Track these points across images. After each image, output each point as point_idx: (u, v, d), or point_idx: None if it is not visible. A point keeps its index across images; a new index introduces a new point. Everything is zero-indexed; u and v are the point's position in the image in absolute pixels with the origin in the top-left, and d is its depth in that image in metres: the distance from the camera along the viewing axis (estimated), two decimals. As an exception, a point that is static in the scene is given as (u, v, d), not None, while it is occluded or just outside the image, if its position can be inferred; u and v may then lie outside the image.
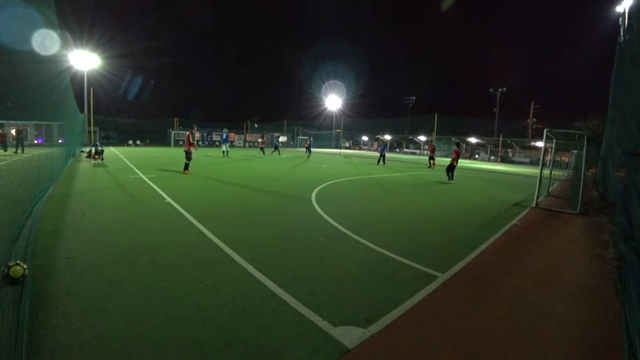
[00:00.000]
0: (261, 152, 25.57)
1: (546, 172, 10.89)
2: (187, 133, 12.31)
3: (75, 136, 18.18)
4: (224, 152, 21.93)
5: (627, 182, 5.05)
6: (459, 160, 13.06)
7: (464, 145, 43.47)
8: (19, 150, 15.88)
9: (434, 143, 34.05)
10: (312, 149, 29.36)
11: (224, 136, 22.95)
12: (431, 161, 20.56)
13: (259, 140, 27.03)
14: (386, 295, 3.25)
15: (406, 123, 55.36)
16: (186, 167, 11.92)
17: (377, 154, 23.80)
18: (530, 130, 46.93)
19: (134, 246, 4.26)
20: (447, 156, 41.37)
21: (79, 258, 3.78)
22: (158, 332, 2.46)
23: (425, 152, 45.62)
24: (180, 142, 37.40)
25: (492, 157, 39.54)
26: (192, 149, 11.94)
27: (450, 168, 12.74)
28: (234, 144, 42.45)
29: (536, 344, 2.62)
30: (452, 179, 12.82)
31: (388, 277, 3.70)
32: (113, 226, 5.10)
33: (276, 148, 28.26)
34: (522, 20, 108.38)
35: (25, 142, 20.93)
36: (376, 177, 13.99)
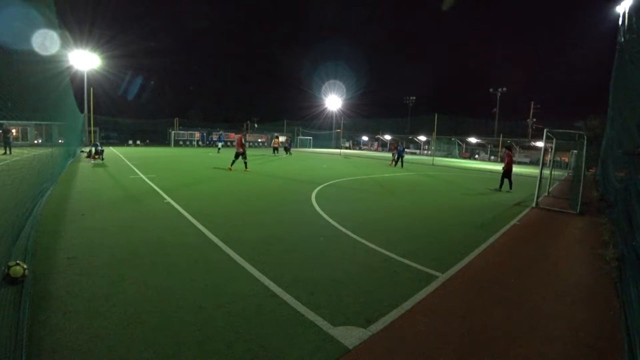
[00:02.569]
0: (276, 152, 26.54)
1: (546, 172, 10.88)
2: (239, 135, 14.00)
3: (75, 136, 18.17)
4: (218, 149, 28.31)
5: (627, 182, 5.06)
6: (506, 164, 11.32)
7: (463, 146, 43.49)
8: (6, 151, 15.70)
9: (433, 143, 33.44)
10: (312, 149, 29.20)
11: (220, 137, 31.57)
12: (394, 158, 20.87)
13: (275, 140, 28.28)
14: (386, 295, 3.25)
15: (406, 123, 55.39)
16: (246, 165, 13.69)
17: (378, 154, 22.99)
18: (530, 130, 46.90)
19: (134, 246, 4.26)
20: (446, 156, 41.42)
21: (79, 258, 3.78)
22: (158, 332, 2.47)
23: (426, 151, 45.62)
24: (180, 143, 37.52)
25: (492, 157, 39.50)
26: (242, 149, 13.65)
27: (507, 174, 11.25)
28: (233, 144, 42.64)
29: (536, 344, 2.62)
30: (511, 187, 11.33)
31: (388, 277, 3.70)
32: (113, 226, 5.10)
33: (287, 149, 28.51)
34: (522, 20, 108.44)
35: (26, 143, 20.88)
36: (376, 177, 13.99)
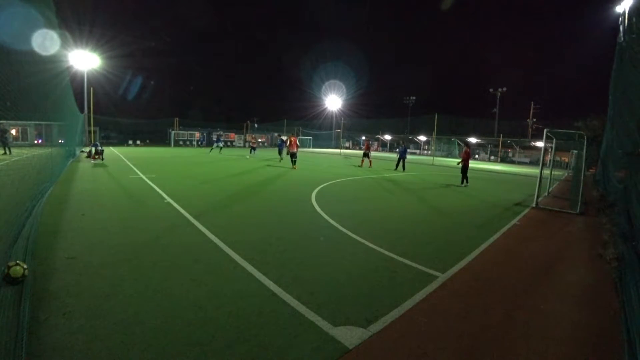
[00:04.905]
0: (253, 151, 23.93)
1: (546, 172, 10.89)
2: (294, 137, 15.69)
3: (75, 136, 18.16)
4: (220, 148, 26.68)
5: (627, 182, 5.06)
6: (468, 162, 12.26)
7: (463, 145, 43.47)
8: (6, 151, 15.62)
9: (432, 143, 32.74)
10: (312, 149, 28.15)
11: (218, 138, 30.01)
12: (364, 158, 18.44)
13: (251, 138, 26.66)
14: (386, 295, 3.25)
15: (406, 123, 55.42)
16: (294, 163, 15.47)
17: (379, 154, 21.75)
18: (530, 130, 46.92)
19: (134, 246, 4.26)
20: (446, 156, 41.45)
21: (79, 258, 3.78)
22: (158, 332, 2.46)
23: (426, 151, 45.60)
24: (180, 142, 37.58)
25: (492, 157, 39.51)
26: (296, 149, 15.48)
27: (464, 170, 12.18)
28: (233, 143, 42.87)
29: (536, 344, 2.62)
30: (466, 182, 12.15)
31: (388, 277, 3.70)
32: (113, 226, 5.10)
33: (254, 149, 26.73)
34: (522, 20, 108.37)
35: (26, 142, 20.86)
36: (376, 177, 13.99)
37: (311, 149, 43.97)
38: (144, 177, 10.56)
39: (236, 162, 18.61)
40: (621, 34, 10.02)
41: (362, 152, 21.96)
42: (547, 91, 76.77)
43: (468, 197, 10.02)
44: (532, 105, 47.74)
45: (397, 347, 2.47)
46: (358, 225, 5.80)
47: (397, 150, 18.46)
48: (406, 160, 18.02)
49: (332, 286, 3.40)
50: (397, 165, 17.41)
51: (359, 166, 18.29)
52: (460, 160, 12.49)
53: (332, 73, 69.85)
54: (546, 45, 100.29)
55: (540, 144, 25.75)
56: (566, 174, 21.18)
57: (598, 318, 3.10)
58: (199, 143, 37.86)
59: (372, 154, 20.49)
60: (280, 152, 21.10)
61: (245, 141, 43.91)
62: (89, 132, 28.56)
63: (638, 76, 5.53)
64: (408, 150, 21.18)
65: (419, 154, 44.86)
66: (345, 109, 58.16)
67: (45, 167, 6.69)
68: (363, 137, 55.99)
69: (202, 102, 69.74)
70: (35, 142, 21.68)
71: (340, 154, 33.46)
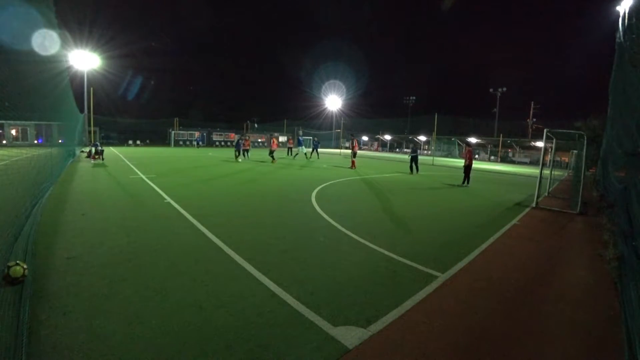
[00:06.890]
0: (245, 154, 20.51)
1: (546, 172, 10.89)
2: (274, 138, 19.39)
3: (75, 136, 18.18)
4: (305, 154, 24.35)
5: (627, 182, 5.06)
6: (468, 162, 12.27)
7: (464, 145, 43.50)
8: None
9: (432, 143, 32.38)
10: (310, 149, 25.69)
11: (300, 140, 25.65)
12: (353, 159, 16.57)
13: (245, 140, 21.06)
14: (386, 295, 3.25)
15: (406, 123, 55.42)
16: (272, 158, 18.43)
17: (379, 154, 21.13)
18: (530, 130, 46.91)
19: (134, 246, 4.26)
20: (446, 156, 41.47)
21: (79, 258, 3.78)
22: (158, 332, 2.47)
23: (426, 151, 45.58)
24: (180, 142, 37.61)
25: (492, 157, 39.52)
26: (274, 148, 18.77)
27: (467, 169, 12.18)
28: (233, 143, 42.59)
29: (536, 344, 2.62)
30: (468, 182, 12.22)
31: (388, 277, 3.70)
32: (113, 226, 5.10)
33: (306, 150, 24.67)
34: (522, 20, 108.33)
35: (26, 142, 20.89)
36: (376, 177, 13.99)
37: (311, 149, 43.91)
38: (143, 177, 10.56)
39: (235, 162, 18.61)
40: (620, 34, 10.01)
41: (362, 152, 21.29)
42: (547, 91, 76.72)
43: (468, 197, 10.02)
44: (532, 105, 47.74)
45: (397, 347, 2.47)
46: (358, 225, 5.80)
47: (411, 149, 16.72)
48: (403, 160, 17.72)
49: (332, 286, 3.40)
50: (416, 169, 15.85)
51: (349, 167, 16.52)
52: (464, 160, 12.60)
53: (332, 73, 69.81)
54: (546, 45, 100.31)
55: (540, 144, 25.75)
56: (566, 174, 21.18)
57: (598, 318, 3.11)
58: (198, 143, 37.65)
59: (375, 153, 20.21)
60: (241, 152, 19.21)
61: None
62: (89, 132, 28.55)
63: (638, 76, 5.52)
64: (406, 150, 20.79)
65: (419, 154, 44.86)
66: (346, 109, 58.09)
67: (45, 167, 6.69)
68: (365, 137, 56.04)
69: (202, 102, 69.74)
70: (35, 142, 21.67)
71: (340, 154, 33.44)
